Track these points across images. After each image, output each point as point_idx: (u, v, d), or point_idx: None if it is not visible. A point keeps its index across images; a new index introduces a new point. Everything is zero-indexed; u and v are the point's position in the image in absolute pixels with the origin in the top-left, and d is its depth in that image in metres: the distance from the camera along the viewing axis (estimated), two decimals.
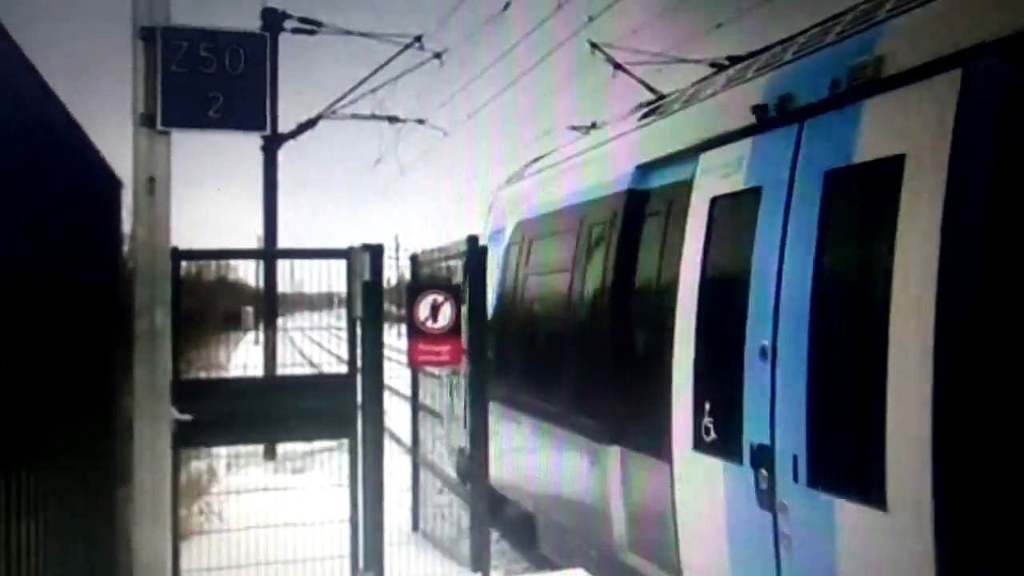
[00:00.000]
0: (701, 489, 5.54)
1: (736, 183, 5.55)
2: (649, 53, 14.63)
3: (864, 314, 4.36)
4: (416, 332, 7.24)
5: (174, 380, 5.41)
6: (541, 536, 8.57)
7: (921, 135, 4.09)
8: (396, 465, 10.70)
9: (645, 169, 6.90)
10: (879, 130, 4.40)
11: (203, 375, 12.95)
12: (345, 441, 7.05)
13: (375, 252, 6.98)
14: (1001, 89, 3.78)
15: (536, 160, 10.99)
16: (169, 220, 4.85)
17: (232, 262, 17.71)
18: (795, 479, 4.59)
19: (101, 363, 5.33)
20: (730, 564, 5.21)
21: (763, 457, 4.86)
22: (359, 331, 6.96)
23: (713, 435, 5.42)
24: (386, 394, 7.41)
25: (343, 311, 7.33)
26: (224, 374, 15.12)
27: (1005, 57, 3.74)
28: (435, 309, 7.25)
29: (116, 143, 5.37)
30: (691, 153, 6.15)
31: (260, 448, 13.26)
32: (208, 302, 19.23)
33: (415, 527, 9.51)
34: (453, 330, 7.25)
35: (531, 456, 8.34)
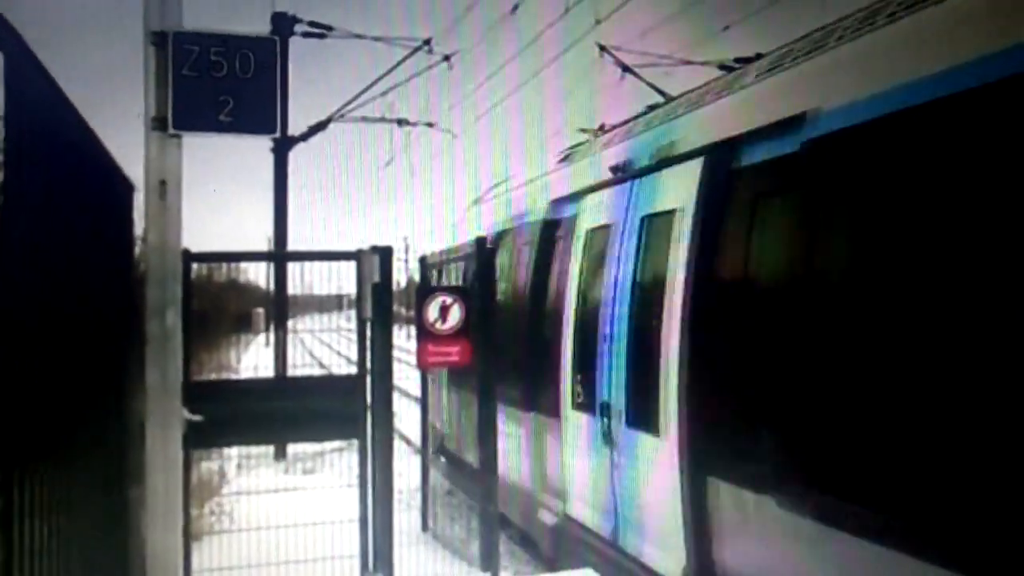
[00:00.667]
0: (576, 434, 7.74)
1: (598, 220, 7.67)
2: (657, 56, 14.64)
3: (654, 314, 6.35)
4: (425, 334, 7.29)
5: (185, 381, 5.44)
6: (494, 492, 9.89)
7: (683, 197, 6.24)
8: (406, 466, 10.76)
9: (554, 203, 8.94)
10: (669, 191, 6.56)
11: (214, 376, 13.03)
12: (355, 442, 7.09)
13: (384, 254, 7.02)
14: (724, 171, 5.89)
15: (495, 185, 13.11)
16: (180, 222, 4.90)
17: (243, 264, 17.79)
18: (622, 423, 6.85)
19: (114, 364, 5.38)
20: (591, 478, 7.46)
21: (605, 410, 7.09)
22: (369, 332, 7.00)
23: (581, 398, 7.61)
24: (395, 395, 7.44)
25: (353, 313, 7.37)
26: (235, 375, 15.21)
27: (725, 152, 5.90)
28: (444, 311, 7.29)
29: (130, 146, 5.42)
30: (577, 196, 8.26)
31: (270, 449, 13.32)
32: (219, 304, 19.31)
33: (424, 527, 9.55)
34: (462, 331, 7.29)
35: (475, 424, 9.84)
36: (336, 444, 11.33)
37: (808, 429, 4.65)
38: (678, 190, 6.32)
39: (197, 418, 6.00)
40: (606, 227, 7.39)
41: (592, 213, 7.78)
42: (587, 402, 7.42)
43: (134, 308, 5.71)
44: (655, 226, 6.63)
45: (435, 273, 10.03)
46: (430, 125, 20.60)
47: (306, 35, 17.08)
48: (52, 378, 3.57)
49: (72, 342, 4.03)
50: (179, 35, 4.81)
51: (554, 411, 8.09)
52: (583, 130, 18.55)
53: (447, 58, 17.82)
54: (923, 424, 3.89)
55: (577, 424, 7.65)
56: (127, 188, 6.08)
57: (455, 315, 7.29)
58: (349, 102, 18.16)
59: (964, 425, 3.70)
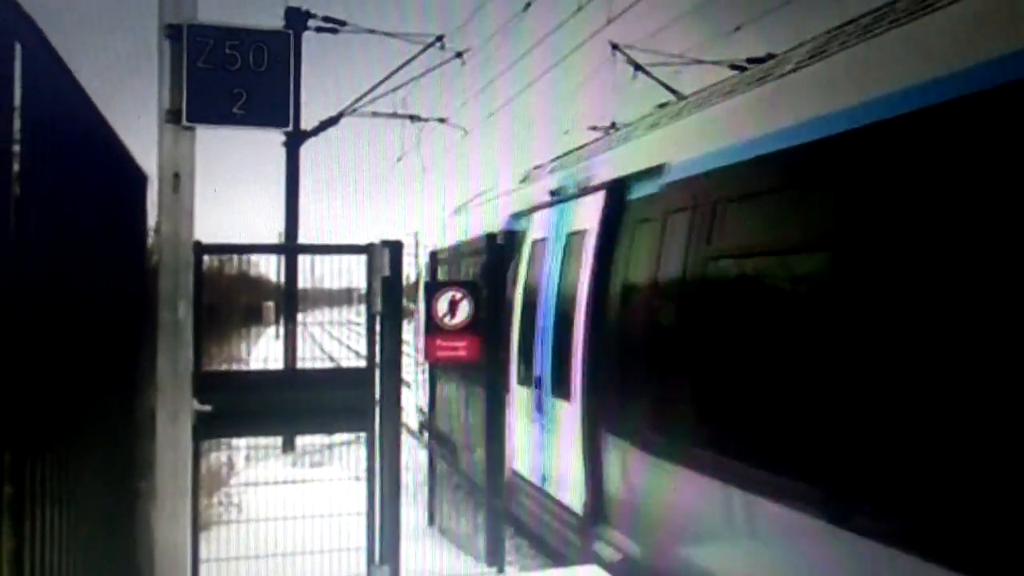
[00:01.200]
0: (519, 404, 9.40)
1: (540, 233, 9.46)
2: (668, 54, 14.64)
3: (570, 308, 8.11)
4: (434, 328, 7.31)
5: (196, 372, 5.47)
6: (459, 456, 10.47)
7: (591, 220, 8.02)
8: (413, 460, 10.79)
9: (513, 217, 10.65)
10: (580, 215, 8.42)
11: (224, 367, 13.07)
12: (362, 435, 7.12)
13: (395, 248, 7.03)
14: (614, 202, 7.82)
15: (478, 195, 15.13)
16: (193, 214, 4.94)
17: (254, 258, 17.84)
18: (548, 394, 8.59)
19: (126, 355, 5.42)
20: (527, 438, 9.11)
21: (538, 383, 8.80)
22: (378, 326, 7.02)
23: (524, 374, 9.32)
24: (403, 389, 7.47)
25: (363, 307, 7.40)
26: (245, 367, 15.25)
27: (616, 189, 7.85)
28: (453, 305, 7.31)
29: (144, 138, 5.46)
30: (528, 212, 10.06)
31: (279, 442, 13.38)
32: (230, 297, 19.38)
33: (431, 521, 9.58)
34: (470, 326, 7.31)
35: (454, 405, 10.67)
36: (344, 437, 11.38)
37: (655, 392, 6.58)
38: (588, 214, 8.20)
39: (207, 408, 6.04)
40: (543, 240, 9.28)
41: (537, 227, 9.68)
42: (527, 378, 9.20)
43: (146, 299, 5.75)
44: (574, 241, 8.47)
45: (443, 268, 10.83)
46: (442, 121, 20.61)
47: (319, 30, 17.11)
48: (64, 367, 3.61)
49: (85, 332, 4.06)
50: (193, 28, 4.85)
51: (506, 387, 9.24)
52: (593, 128, 18.51)
53: (459, 55, 17.84)
54: (729, 385, 5.67)
55: (520, 396, 9.40)
56: (141, 179, 6.12)
57: (464, 310, 7.31)
58: (361, 97, 18.18)
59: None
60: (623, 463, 7.19)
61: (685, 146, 7.02)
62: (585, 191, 8.45)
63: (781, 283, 5.48)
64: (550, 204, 9.31)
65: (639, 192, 7.52)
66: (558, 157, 11.47)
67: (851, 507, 4.45)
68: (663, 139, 7.72)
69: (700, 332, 6.04)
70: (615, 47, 15.12)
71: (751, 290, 5.67)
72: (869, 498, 4.35)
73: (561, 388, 8.18)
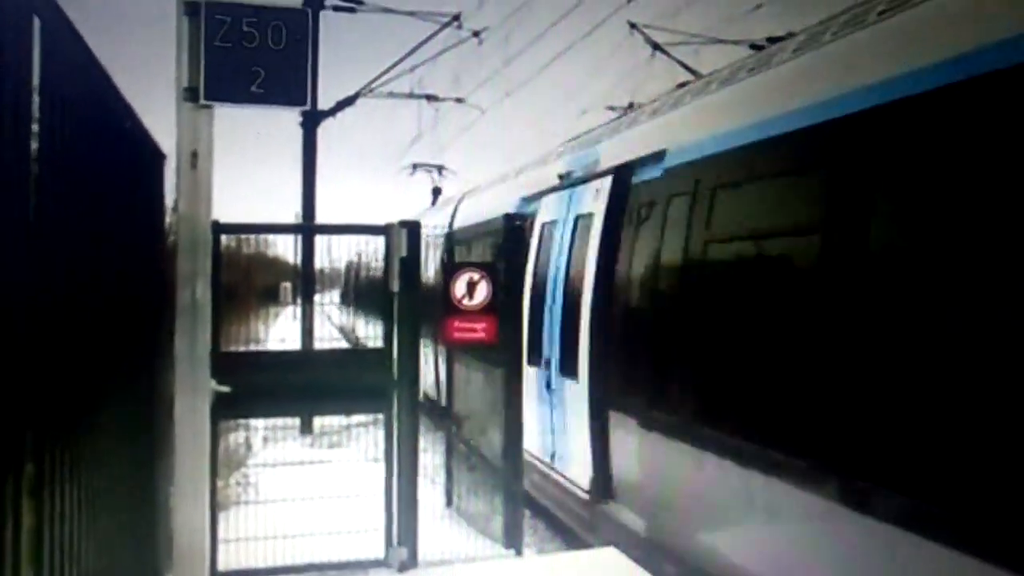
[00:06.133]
0: (529, 383, 8.77)
1: (549, 216, 9.69)
2: (687, 34, 14.49)
3: (578, 290, 8.31)
4: (452, 310, 7.27)
5: (214, 352, 5.46)
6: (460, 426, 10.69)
7: (597, 204, 8.28)
8: (429, 442, 10.78)
9: (522, 200, 10.88)
10: (587, 199, 8.62)
11: (242, 348, 13.08)
12: (380, 417, 7.11)
13: (412, 228, 7.00)
14: (621, 186, 8.04)
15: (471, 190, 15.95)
16: (211, 193, 4.90)
17: (271, 238, 17.81)
18: (556, 373, 8.85)
19: (145, 334, 5.41)
20: (538, 414, 9.28)
21: (547, 364, 9.09)
22: (395, 306, 7.00)
23: (533, 356, 9.24)
24: None
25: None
26: (262, 347, 15.25)
27: (621, 174, 8.08)
28: (471, 287, 7.27)
29: (160, 116, 5.43)
30: (538, 195, 10.28)
31: (296, 422, 13.40)
32: (247, 277, 19.40)
33: (448, 503, 9.58)
34: (488, 308, 7.27)
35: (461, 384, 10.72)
36: (361, 419, 11.38)
37: (654, 375, 6.95)
38: (594, 198, 8.37)
39: (225, 389, 6.03)
40: (553, 222, 9.48)
41: (546, 210, 9.87)
42: (536, 358, 9.33)
43: (164, 278, 5.74)
44: (581, 224, 8.63)
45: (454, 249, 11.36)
46: (459, 101, 20.53)
47: (336, 8, 17.01)
48: (84, 348, 3.60)
49: (104, 312, 4.05)
50: (212, 5, 4.80)
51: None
52: (611, 108, 18.36)
53: (476, 34, 17.72)
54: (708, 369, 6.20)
55: (530, 376, 9.23)
56: (159, 158, 6.10)
57: (482, 291, 7.26)
58: (378, 77, 18.10)
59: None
60: (630, 440, 7.37)
61: (686, 130, 7.23)
62: (595, 176, 8.59)
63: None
64: (556, 189, 9.53)
65: (648, 175, 7.66)
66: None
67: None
68: (663, 126, 8.04)
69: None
70: (633, 26, 14.98)
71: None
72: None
73: (570, 368, 8.41)
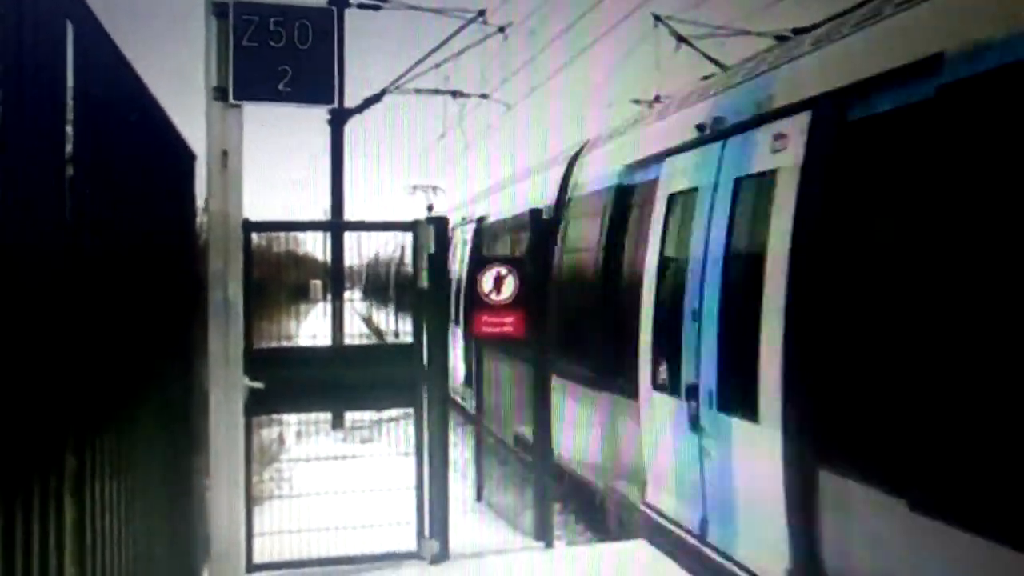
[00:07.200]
0: (657, 415, 7.37)
1: (683, 182, 7.24)
2: (712, 26, 14.42)
3: (749, 290, 5.82)
4: (480, 304, 7.30)
5: (247, 349, 5.53)
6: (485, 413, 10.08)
7: (784, 156, 5.72)
8: (461, 435, 10.85)
9: (624, 169, 8.74)
10: (759, 152, 6.09)
11: (274, 344, 13.19)
12: (411, 412, 7.17)
13: (440, 224, 7.04)
14: (833, 127, 5.28)
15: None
16: (241, 192, 4.97)
17: (301, 236, 17.94)
18: (709, 407, 6.40)
19: (179, 333, 5.49)
20: (674, 462, 7.07)
21: (693, 391, 6.62)
22: (424, 302, 7.04)
23: (661, 378, 7.27)
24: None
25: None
26: (294, 344, 15.36)
27: (831, 104, 5.31)
28: (498, 281, 7.30)
29: (190, 116, 5.49)
30: (656, 158, 7.89)
31: (328, 418, 13.51)
32: (278, 275, 19.55)
33: (479, 497, 9.63)
34: (516, 302, 7.29)
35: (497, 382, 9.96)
36: (392, 414, 11.45)
37: (913, 418, 4.28)
38: (780, 148, 5.81)
39: (258, 385, 6.11)
40: (691, 191, 7.10)
41: (676, 176, 7.48)
42: (668, 382, 7.18)
43: (198, 277, 5.81)
44: (756, 187, 6.07)
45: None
46: (484, 97, 20.53)
47: (361, 6, 17.07)
48: (121, 345, 3.66)
49: (141, 311, 4.12)
50: (239, 5, 4.86)
51: (632, 391, 7.93)
52: (636, 101, 18.31)
53: (502, 29, 17.72)
54: None
55: (656, 406, 7.43)
56: (189, 158, 6.17)
57: (509, 286, 7.29)
58: (404, 74, 18.16)
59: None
60: (859, 514, 4.84)
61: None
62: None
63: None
64: (698, 144, 7.12)
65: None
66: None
67: None
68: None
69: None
70: (658, 19, 14.92)
71: None
72: None
73: (735, 402, 6.03)
